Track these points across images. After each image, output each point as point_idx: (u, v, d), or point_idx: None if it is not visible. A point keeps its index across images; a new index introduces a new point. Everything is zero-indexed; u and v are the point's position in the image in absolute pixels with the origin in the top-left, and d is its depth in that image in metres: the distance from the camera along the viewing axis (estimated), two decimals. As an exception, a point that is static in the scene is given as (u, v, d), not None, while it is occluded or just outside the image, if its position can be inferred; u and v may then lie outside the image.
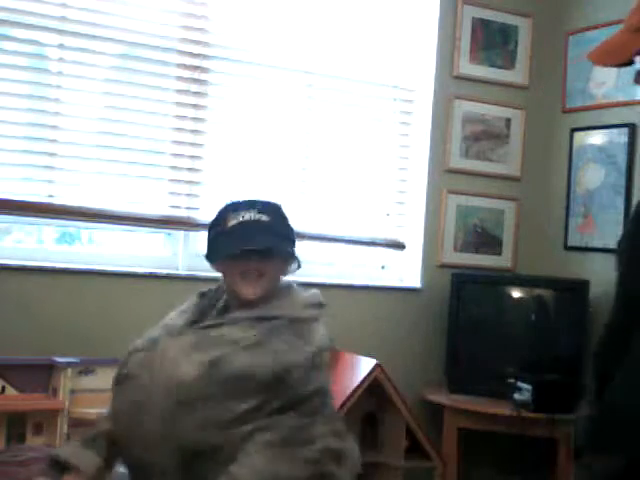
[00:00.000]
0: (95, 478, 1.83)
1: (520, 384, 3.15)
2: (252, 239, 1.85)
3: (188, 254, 3.25)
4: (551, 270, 3.66)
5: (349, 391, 2.97)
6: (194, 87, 3.21)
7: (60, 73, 3.01)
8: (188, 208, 3.20)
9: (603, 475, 1.48)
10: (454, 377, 3.44)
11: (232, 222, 1.87)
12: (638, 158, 3.40)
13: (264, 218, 1.87)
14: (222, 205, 1.96)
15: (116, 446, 1.87)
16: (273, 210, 1.92)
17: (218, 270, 1.96)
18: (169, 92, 3.19)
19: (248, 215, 1.87)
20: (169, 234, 3.26)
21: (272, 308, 1.89)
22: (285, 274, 1.96)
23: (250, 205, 1.89)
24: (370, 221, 3.59)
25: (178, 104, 3.20)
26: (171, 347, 1.83)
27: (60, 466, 1.85)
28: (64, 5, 3.00)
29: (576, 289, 3.36)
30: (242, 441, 1.71)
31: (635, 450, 1.43)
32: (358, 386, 2.98)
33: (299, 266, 1.97)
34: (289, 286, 1.98)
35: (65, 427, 2.69)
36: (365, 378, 3.00)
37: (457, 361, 3.45)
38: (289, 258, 1.94)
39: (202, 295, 2.05)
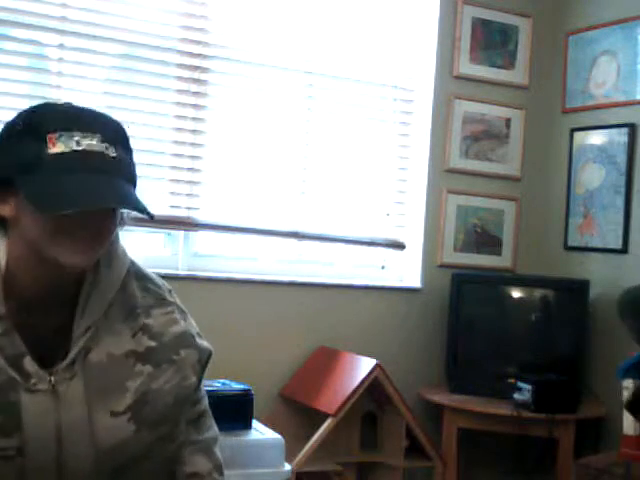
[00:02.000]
0: None
1: (520, 384, 3.15)
2: (104, 187, 1.20)
3: (188, 254, 3.25)
4: (551, 270, 3.66)
5: (349, 391, 2.97)
6: (194, 87, 3.21)
7: (60, 73, 3.01)
8: (188, 208, 3.20)
9: None
10: (454, 377, 3.44)
11: (61, 147, 1.20)
12: (638, 158, 3.40)
13: (112, 153, 1.24)
14: (30, 109, 1.27)
15: None
16: (119, 139, 1.30)
17: (24, 225, 1.23)
18: (169, 92, 3.19)
19: (87, 142, 1.22)
20: (169, 234, 3.26)
21: (113, 271, 1.33)
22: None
23: (87, 126, 1.24)
24: (370, 221, 3.58)
25: (178, 104, 3.20)
26: (57, 408, 1.24)
27: None
28: (64, 5, 3.00)
29: (576, 289, 3.36)
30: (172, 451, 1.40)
31: None
32: (358, 386, 2.98)
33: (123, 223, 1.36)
34: None
35: None
36: (365, 378, 3.00)
37: (457, 361, 3.45)
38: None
39: None
